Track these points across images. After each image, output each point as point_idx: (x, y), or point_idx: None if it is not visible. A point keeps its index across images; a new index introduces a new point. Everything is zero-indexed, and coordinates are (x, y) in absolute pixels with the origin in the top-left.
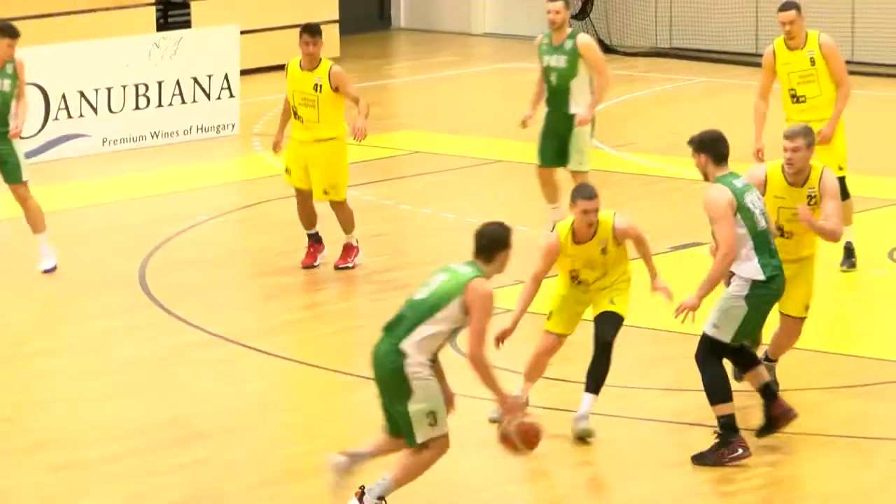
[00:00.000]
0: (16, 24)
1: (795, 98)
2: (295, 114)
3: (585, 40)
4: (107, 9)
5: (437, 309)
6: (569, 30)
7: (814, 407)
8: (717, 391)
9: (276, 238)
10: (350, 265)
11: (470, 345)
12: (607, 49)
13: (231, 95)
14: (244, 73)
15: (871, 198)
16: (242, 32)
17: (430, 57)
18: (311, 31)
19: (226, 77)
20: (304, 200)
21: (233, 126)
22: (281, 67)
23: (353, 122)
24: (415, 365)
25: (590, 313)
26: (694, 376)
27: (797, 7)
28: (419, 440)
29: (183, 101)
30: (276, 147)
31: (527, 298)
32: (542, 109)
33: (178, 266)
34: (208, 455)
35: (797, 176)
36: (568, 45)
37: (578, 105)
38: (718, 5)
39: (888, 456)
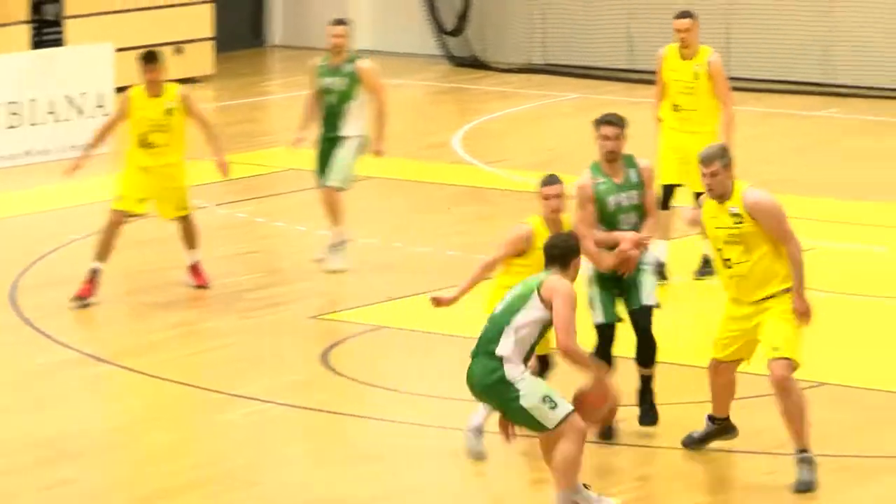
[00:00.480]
0: None
1: (674, 106)
2: (143, 142)
3: (366, 64)
4: None
5: (516, 311)
6: (348, 53)
7: (685, 421)
8: None
9: (148, 256)
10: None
11: (559, 337)
12: (482, 65)
13: (105, 114)
14: (119, 90)
15: None
16: (117, 50)
17: (305, 74)
18: (147, 60)
19: (99, 95)
20: (120, 223)
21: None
22: None
23: (215, 159)
24: (512, 370)
25: None
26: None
27: (693, 15)
28: (551, 426)
29: (56, 120)
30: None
31: (473, 280)
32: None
33: (50, 285)
34: (76, 476)
35: (721, 199)
36: (347, 68)
37: (352, 128)
38: (592, 22)
39: (759, 469)
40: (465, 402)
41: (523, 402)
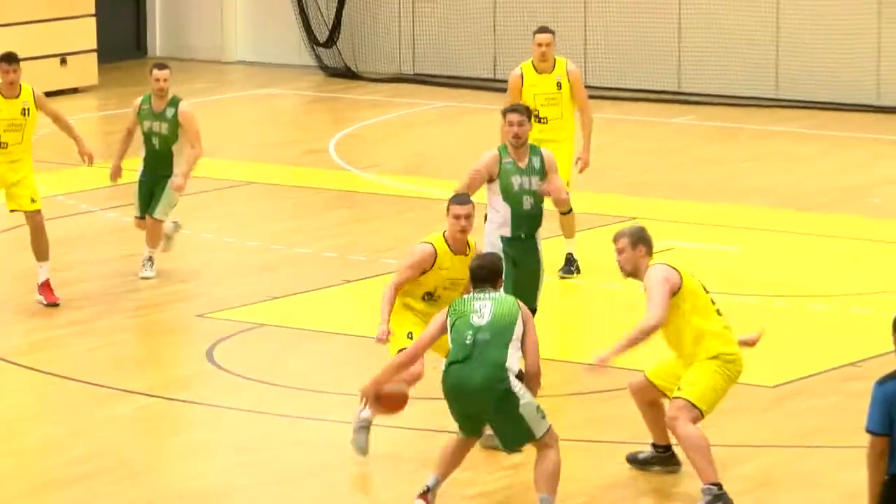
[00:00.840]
0: None
1: (538, 118)
2: None
3: (186, 108)
4: None
5: (513, 327)
6: (170, 97)
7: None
8: None
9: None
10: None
11: (534, 359)
12: (354, 75)
13: None
14: None
15: (601, 214)
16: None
17: (186, 84)
18: (8, 60)
19: None
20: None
21: None
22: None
23: (78, 149)
24: (514, 381)
25: None
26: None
27: (552, 31)
28: (539, 435)
29: None
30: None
31: (390, 304)
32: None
33: None
34: None
35: (632, 276)
36: (169, 112)
37: (176, 167)
38: (458, 33)
39: (616, 458)
40: (342, 397)
41: (522, 411)
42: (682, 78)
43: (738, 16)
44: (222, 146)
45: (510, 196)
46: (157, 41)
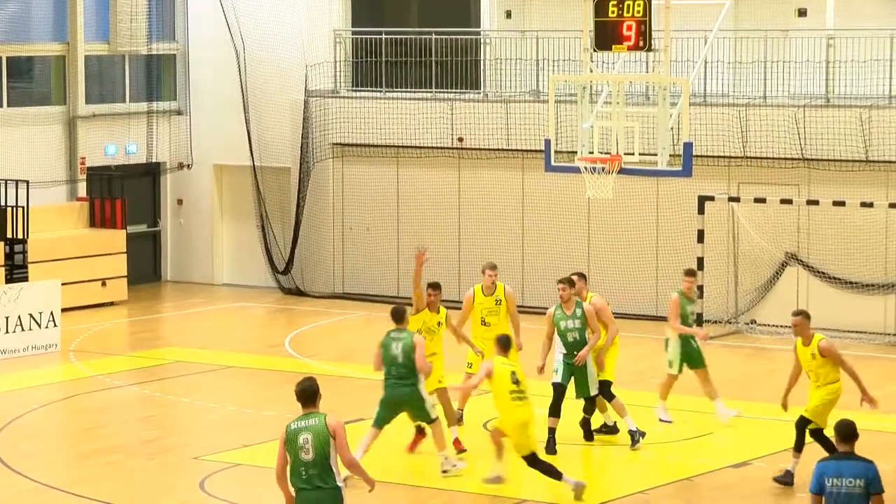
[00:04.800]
0: None
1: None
2: None
3: None
4: None
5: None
6: None
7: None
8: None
9: (87, 419)
10: None
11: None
12: (302, 293)
13: (55, 325)
14: (64, 310)
15: None
16: (63, 284)
17: (187, 299)
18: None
19: (51, 313)
20: None
21: (56, 346)
22: (85, 307)
23: None
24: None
25: None
26: None
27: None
28: (433, 416)
29: (23, 329)
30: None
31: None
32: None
33: (20, 438)
34: None
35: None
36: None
37: None
38: (372, 263)
39: None
40: None
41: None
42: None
43: None
44: (212, 342)
45: (560, 333)
46: (169, 270)
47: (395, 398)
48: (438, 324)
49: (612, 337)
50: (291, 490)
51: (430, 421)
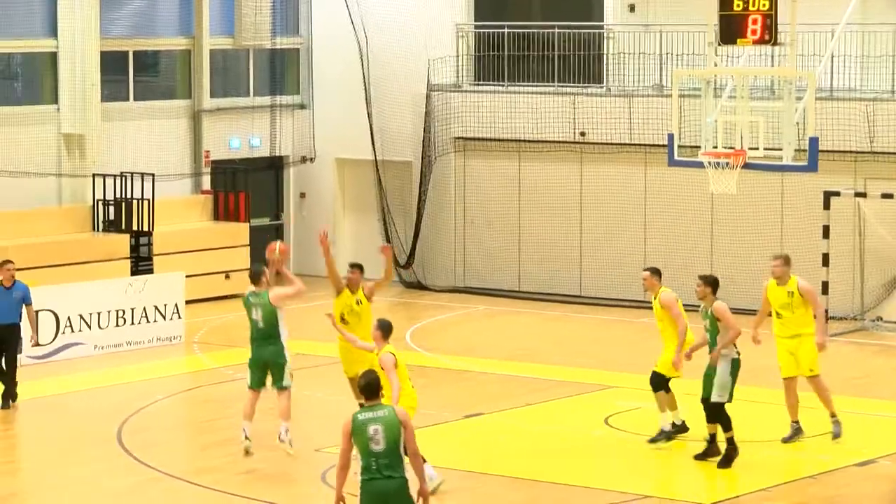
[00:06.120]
0: (47, 270)
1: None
2: None
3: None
4: (100, 261)
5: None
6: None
7: None
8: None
9: (209, 411)
10: None
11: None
12: (424, 287)
13: (179, 317)
14: (188, 302)
15: None
16: (187, 276)
17: (310, 292)
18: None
19: (175, 305)
20: None
21: (180, 338)
22: (209, 300)
23: None
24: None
25: None
26: None
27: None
28: (285, 384)
29: (147, 321)
30: None
31: None
32: None
33: (144, 428)
34: None
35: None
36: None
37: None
38: (494, 258)
39: None
40: None
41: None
42: None
43: None
44: (334, 335)
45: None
46: (291, 263)
47: (262, 359)
48: (358, 302)
49: (682, 333)
50: (343, 491)
51: (283, 388)
